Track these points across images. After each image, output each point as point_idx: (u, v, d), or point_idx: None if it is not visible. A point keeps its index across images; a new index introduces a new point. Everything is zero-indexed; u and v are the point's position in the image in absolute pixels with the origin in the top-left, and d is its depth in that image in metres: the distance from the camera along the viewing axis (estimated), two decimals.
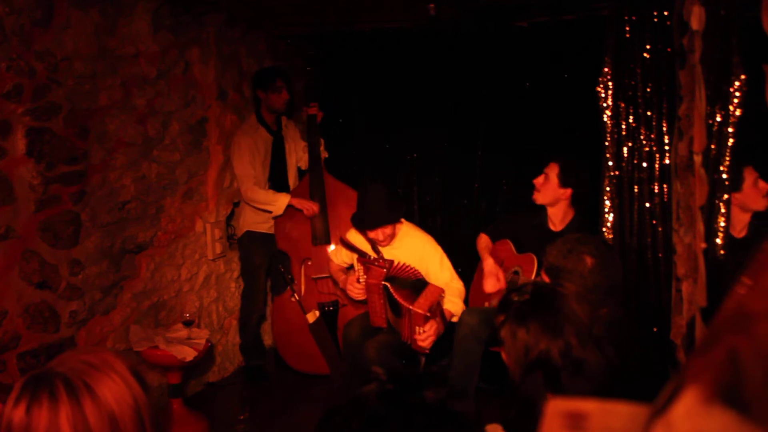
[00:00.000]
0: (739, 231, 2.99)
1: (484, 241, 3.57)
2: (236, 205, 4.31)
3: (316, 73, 4.28)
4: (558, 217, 3.29)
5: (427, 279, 3.33)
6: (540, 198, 3.30)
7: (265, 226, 4.12)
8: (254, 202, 4.01)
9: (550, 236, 3.18)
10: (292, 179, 4.26)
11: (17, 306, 2.74)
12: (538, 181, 3.30)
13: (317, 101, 4.19)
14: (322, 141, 4.26)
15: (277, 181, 4.15)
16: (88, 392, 1.09)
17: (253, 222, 4.11)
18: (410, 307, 3.03)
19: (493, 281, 3.33)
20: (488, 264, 3.39)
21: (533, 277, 3.21)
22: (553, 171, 3.25)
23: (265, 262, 4.18)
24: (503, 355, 1.66)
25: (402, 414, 0.90)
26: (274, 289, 4.41)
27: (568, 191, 3.24)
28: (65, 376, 1.10)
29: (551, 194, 3.25)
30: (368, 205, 3.33)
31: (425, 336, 3.05)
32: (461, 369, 3.17)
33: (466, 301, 3.46)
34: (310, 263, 4.10)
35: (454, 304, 3.28)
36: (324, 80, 4.60)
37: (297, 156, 4.28)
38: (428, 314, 3.01)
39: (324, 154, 4.28)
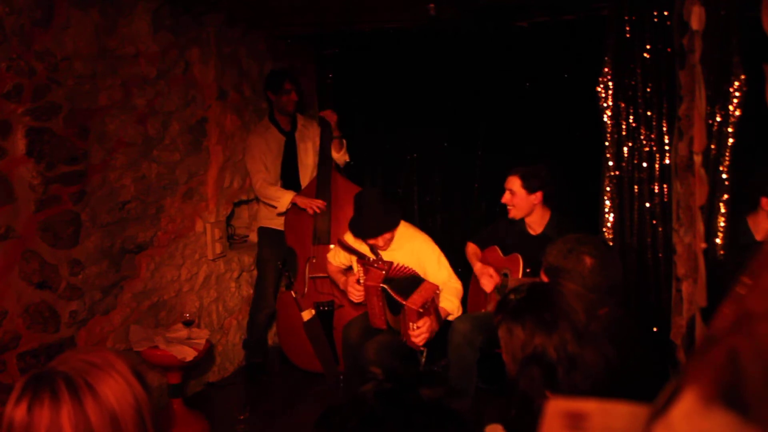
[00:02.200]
0: (762, 237, 2.97)
1: (471, 248, 3.64)
2: (236, 205, 4.33)
3: (336, 72, 4.28)
4: (536, 222, 3.30)
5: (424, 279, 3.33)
6: (517, 213, 3.28)
7: (276, 222, 4.19)
8: (262, 198, 4.16)
9: (531, 240, 3.23)
10: (305, 178, 4.29)
11: (17, 306, 2.74)
12: (506, 199, 3.27)
13: (332, 101, 4.22)
14: (345, 143, 4.24)
15: (289, 180, 4.24)
16: (90, 391, 1.09)
17: (264, 217, 4.25)
18: (403, 302, 3.04)
19: (487, 280, 3.37)
20: (476, 267, 3.50)
21: (520, 276, 3.23)
22: (515, 184, 3.23)
23: (273, 257, 4.23)
24: (503, 354, 1.67)
25: (400, 413, 0.90)
26: (285, 285, 4.44)
27: (539, 194, 3.22)
28: (67, 375, 1.10)
29: (525, 205, 3.24)
30: (366, 212, 3.33)
31: (418, 332, 3.05)
32: (457, 375, 3.18)
33: (465, 306, 3.46)
34: (314, 261, 4.12)
35: (450, 303, 3.28)
36: (325, 80, 4.60)
37: (315, 152, 4.30)
38: (421, 310, 3.02)
39: (345, 158, 4.27)
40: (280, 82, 4.09)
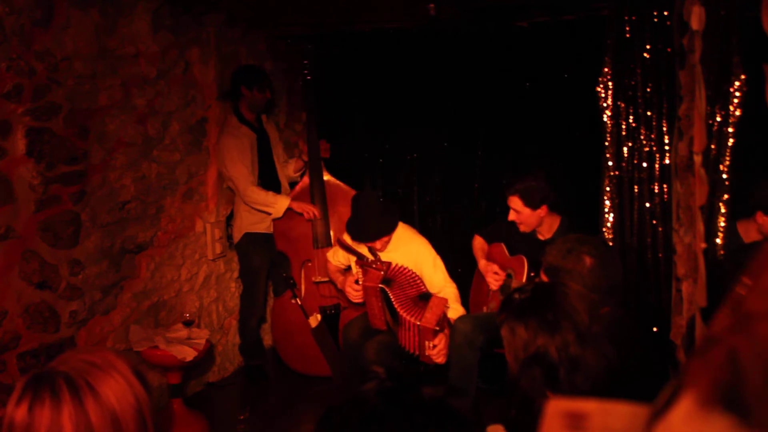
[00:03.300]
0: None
1: (478, 242, 3.62)
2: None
3: (314, 69, 4.25)
4: (545, 228, 3.28)
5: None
6: (527, 228, 3.25)
7: (263, 226, 4.05)
8: (253, 204, 3.94)
9: (539, 245, 3.20)
10: (281, 175, 4.21)
11: (17, 306, 2.74)
12: (512, 217, 3.24)
13: (313, 98, 4.18)
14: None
15: (267, 179, 4.08)
16: (91, 391, 1.09)
17: (250, 223, 4.03)
18: (418, 323, 3.00)
19: (492, 278, 3.37)
20: (481, 264, 3.49)
21: (524, 279, 3.23)
22: (516, 204, 3.19)
23: (264, 263, 4.14)
24: (505, 353, 1.67)
25: (400, 412, 0.90)
26: (275, 290, 4.40)
27: (544, 207, 3.18)
28: (67, 375, 1.10)
29: (532, 220, 3.21)
30: (363, 216, 3.32)
31: (437, 351, 3.04)
32: (458, 375, 3.17)
33: (465, 306, 3.46)
34: (310, 264, 4.08)
35: (455, 311, 3.26)
36: (324, 80, 4.60)
37: (277, 154, 4.23)
38: (437, 328, 3.00)
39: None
40: (262, 79, 3.96)
